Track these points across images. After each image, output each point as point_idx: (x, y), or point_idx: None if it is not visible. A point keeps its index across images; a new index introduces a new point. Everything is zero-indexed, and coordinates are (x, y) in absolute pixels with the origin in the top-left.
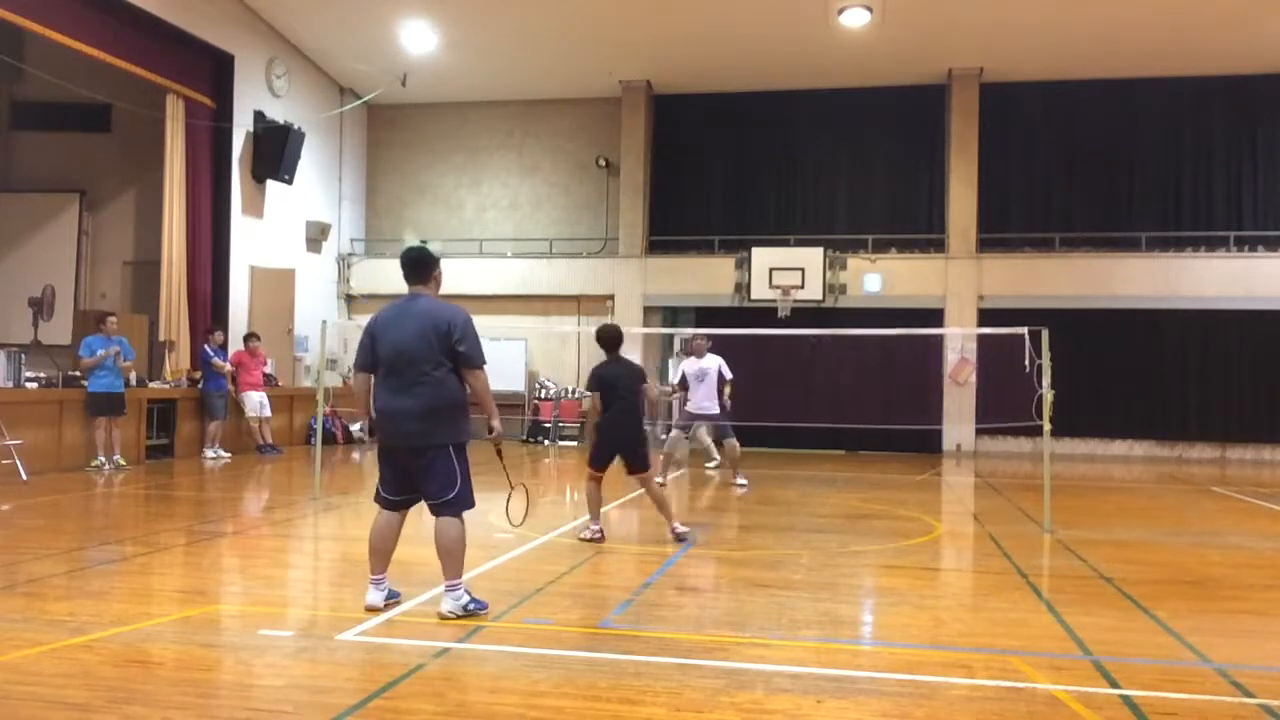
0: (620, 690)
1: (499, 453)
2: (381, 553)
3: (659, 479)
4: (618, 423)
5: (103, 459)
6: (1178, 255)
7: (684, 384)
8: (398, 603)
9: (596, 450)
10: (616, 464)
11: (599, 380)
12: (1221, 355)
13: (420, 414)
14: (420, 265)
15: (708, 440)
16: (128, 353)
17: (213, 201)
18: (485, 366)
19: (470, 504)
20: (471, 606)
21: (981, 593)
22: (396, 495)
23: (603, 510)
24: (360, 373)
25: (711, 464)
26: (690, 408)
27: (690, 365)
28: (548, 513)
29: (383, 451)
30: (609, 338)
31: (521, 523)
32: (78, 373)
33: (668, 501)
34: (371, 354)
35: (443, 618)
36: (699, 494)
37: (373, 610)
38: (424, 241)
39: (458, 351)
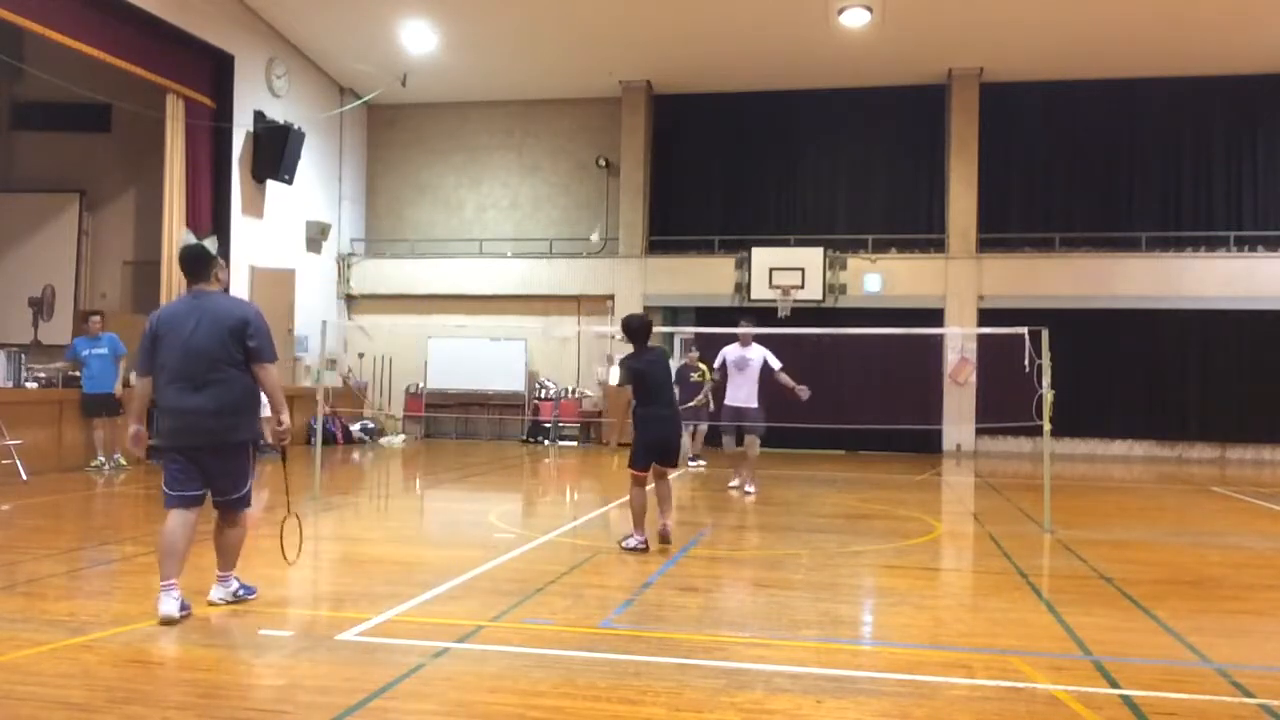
0: (620, 690)
1: (283, 456)
2: (175, 555)
3: (749, 486)
4: (666, 419)
5: (102, 459)
6: (1178, 255)
7: (724, 371)
8: (189, 615)
9: (642, 450)
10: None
11: (633, 373)
12: (1221, 355)
13: (218, 411)
14: (199, 262)
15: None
16: (118, 349)
17: (213, 201)
18: (275, 362)
19: (250, 502)
20: (241, 592)
21: (981, 593)
22: (193, 490)
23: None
24: (143, 377)
25: (734, 484)
26: (731, 400)
27: (733, 352)
28: (548, 513)
29: (171, 450)
30: (638, 328)
31: (294, 560)
32: (76, 373)
33: (671, 497)
34: (152, 356)
35: (211, 604)
36: (699, 495)
37: (169, 622)
38: (203, 239)
39: (249, 347)
